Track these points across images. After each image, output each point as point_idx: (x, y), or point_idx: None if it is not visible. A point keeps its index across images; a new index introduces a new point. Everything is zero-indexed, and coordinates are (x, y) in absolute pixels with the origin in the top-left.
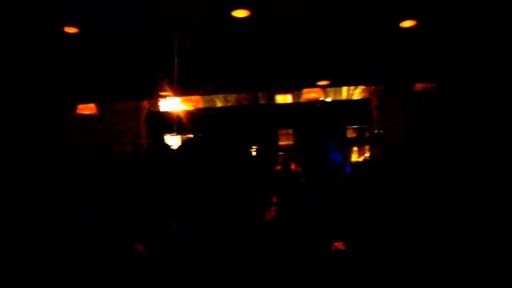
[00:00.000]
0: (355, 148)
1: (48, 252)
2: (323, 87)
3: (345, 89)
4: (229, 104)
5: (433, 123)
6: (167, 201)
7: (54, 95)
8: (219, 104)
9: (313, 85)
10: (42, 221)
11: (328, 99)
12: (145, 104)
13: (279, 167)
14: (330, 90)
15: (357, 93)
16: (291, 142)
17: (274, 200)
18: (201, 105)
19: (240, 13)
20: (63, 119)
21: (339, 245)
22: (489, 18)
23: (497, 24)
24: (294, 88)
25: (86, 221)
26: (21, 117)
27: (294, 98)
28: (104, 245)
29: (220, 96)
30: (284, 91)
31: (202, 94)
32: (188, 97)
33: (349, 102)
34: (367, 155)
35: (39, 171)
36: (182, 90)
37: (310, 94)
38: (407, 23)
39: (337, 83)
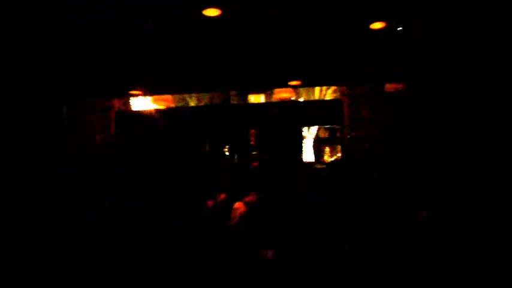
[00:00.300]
0: (327, 148)
1: (48, 252)
2: (295, 87)
3: (317, 89)
4: (202, 104)
5: (403, 123)
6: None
7: (51, 93)
8: (192, 104)
9: (284, 85)
10: (42, 221)
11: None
12: (116, 103)
13: (255, 164)
14: (303, 90)
15: (329, 93)
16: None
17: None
18: (172, 104)
19: (211, 12)
20: (61, 117)
21: (268, 253)
22: (455, 19)
23: (465, 24)
24: (266, 88)
25: (86, 221)
26: (20, 117)
27: (266, 98)
28: (103, 245)
29: (194, 96)
30: (256, 91)
31: (174, 93)
32: (160, 96)
33: (320, 102)
34: (339, 154)
35: (38, 171)
36: (153, 89)
37: (281, 94)
38: (376, 25)
39: (308, 83)
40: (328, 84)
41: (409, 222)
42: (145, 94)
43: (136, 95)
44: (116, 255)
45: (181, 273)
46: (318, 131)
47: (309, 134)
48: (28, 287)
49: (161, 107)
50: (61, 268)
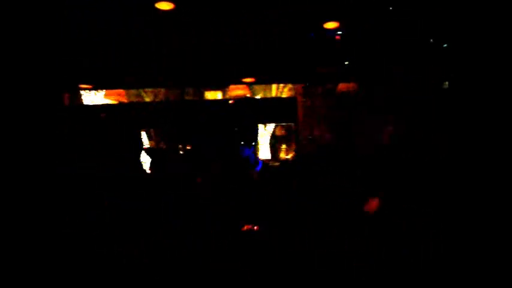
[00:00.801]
0: (283, 146)
1: (48, 252)
2: (249, 84)
3: (274, 87)
4: (157, 100)
5: (354, 121)
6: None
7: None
8: (147, 99)
9: (238, 82)
10: (42, 221)
11: (258, 97)
12: (66, 97)
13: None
14: (260, 88)
15: (285, 91)
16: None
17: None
18: (125, 99)
19: (164, 5)
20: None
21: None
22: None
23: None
24: (220, 84)
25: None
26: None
27: (223, 95)
28: (103, 245)
29: (149, 91)
30: (210, 87)
31: (126, 88)
32: (113, 91)
33: (275, 100)
34: (293, 153)
35: (38, 171)
36: (105, 84)
37: (236, 91)
38: (330, 25)
39: (262, 80)
40: (283, 81)
41: (357, 213)
42: (96, 88)
43: (88, 89)
44: (116, 255)
45: (181, 273)
46: (274, 128)
47: (266, 131)
48: (28, 287)
49: (113, 102)
50: (61, 268)
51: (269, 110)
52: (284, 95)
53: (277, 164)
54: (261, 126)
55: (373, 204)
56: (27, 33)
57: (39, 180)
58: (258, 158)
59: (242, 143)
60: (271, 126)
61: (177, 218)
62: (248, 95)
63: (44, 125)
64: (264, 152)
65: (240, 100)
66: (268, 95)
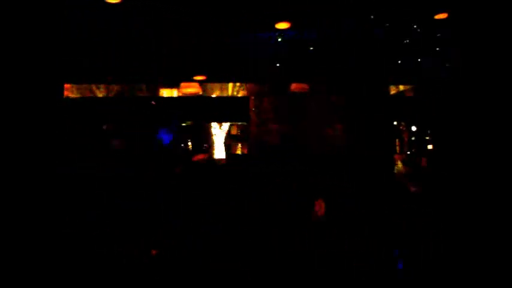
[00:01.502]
0: (239, 145)
1: (48, 252)
2: (200, 81)
3: (231, 85)
4: (111, 96)
5: (305, 121)
6: None
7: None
8: (99, 95)
9: (190, 79)
10: (42, 220)
11: (214, 95)
12: None
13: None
14: (217, 87)
15: (241, 91)
16: None
17: None
18: (73, 94)
19: None
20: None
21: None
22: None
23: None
24: (173, 81)
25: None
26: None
27: (179, 92)
28: (103, 245)
29: (102, 86)
30: (162, 84)
31: (76, 83)
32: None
33: (228, 99)
34: (242, 150)
35: (38, 171)
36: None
37: (188, 89)
38: (282, 25)
39: (213, 79)
40: (233, 80)
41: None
42: None
43: None
44: (116, 255)
45: (181, 273)
46: (229, 127)
47: (221, 130)
48: (28, 287)
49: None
50: (61, 268)
51: (224, 109)
52: (240, 94)
53: (223, 161)
54: (215, 125)
55: (320, 206)
56: (26, 33)
57: (39, 180)
58: (180, 152)
59: (164, 138)
60: (226, 125)
61: (176, 218)
62: (200, 93)
63: (43, 122)
64: (219, 151)
65: (192, 98)
66: (225, 94)
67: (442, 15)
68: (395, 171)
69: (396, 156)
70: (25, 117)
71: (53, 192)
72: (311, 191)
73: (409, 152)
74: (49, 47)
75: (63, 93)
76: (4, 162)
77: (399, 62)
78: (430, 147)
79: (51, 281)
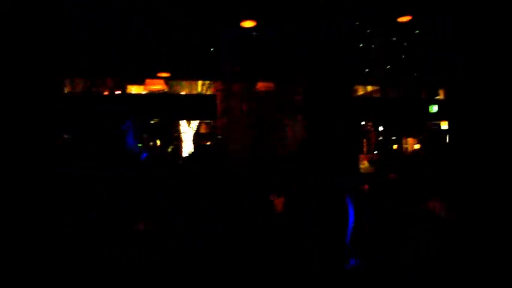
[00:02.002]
0: (208, 143)
1: (48, 252)
2: (165, 78)
3: (200, 83)
4: (75, 91)
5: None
6: None
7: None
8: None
9: (154, 76)
10: (41, 220)
11: (183, 93)
12: None
13: None
14: (185, 84)
15: (210, 88)
16: None
17: None
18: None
19: None
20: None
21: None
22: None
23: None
24: (137, 78)
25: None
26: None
27: (144, 89)
28: (103, 245)
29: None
30: (129, 80)
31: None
32: None
33: (195, 96)
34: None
35: (38, 171)
36: None
37: (153, 86)
38: (247, 23)
39: (178, 76)
40: (198, 78)
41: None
42: None
43: None
44: (116, 255)
45: (181, 273)
46: (198, 125)
47: (190, 128)
48: (28, 287)
49: None
50: (61, 268)
51: (191, 106)
52: (209, 92)
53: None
54: (184, 123)
55: (279, 202)
56: (25, 33)
57: (39, 180)
58: (142, 150)
59: (126, 136)
60: (195, 123)
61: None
62: (166, 90)
63: (43, 122)
64: (187, 149)
65: (158, 95)
66: (194, 92)
67: (405, 18)
68: (362, 170)
69: (362, 156)
70: (25, 117)
71: (53, 192)
72: (274, 190)
73: (376, 152)
74: (48, 46)
75: (63, 92)
76: (3, 162)
77: (366, 62)
78: (395, 147)
79: (51, 281)
